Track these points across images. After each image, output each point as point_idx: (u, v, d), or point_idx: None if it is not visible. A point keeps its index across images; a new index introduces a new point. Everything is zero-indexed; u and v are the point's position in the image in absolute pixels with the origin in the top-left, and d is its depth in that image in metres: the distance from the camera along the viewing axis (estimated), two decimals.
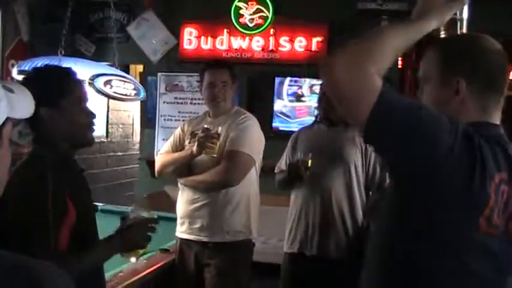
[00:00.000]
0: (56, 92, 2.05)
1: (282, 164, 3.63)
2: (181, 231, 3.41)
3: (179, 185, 3.47)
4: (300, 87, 6.40)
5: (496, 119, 1.60)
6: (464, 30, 1.77)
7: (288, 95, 6.45)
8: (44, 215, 1.89)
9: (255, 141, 3.37)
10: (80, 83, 2.18)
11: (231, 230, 3.32)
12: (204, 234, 3.31)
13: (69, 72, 2.16)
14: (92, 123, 2.18)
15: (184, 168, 3.37)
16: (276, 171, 3.66)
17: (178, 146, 3.49)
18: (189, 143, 3.41)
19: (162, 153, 3.55)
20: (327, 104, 3.38)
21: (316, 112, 3.79)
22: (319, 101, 3.56)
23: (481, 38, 1.62)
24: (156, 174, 3.54)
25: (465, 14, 1.75)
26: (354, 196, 3.41)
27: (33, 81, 2.01)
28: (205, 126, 3.26)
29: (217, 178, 3.26)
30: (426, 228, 1.48)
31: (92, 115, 2.17)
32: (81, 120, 2.13)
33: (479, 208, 1.44)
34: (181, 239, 3.42)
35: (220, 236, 3.30)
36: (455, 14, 1.68)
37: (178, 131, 3.58)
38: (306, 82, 6.40)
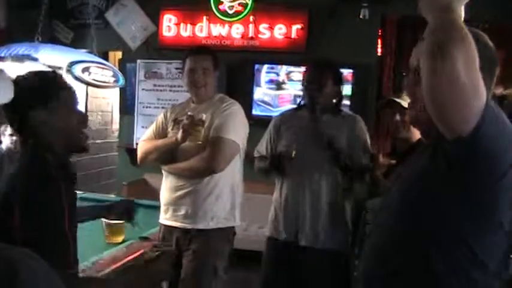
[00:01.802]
0: (47, 96, 2.06)
1: (262, 149, 3.61)
2: (165, 218, 3.41)
3: (163, 172, 3.46)
4: (277, 74, 6.40)
5: None
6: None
7: (265, 82, 6.44)
8: (61, 224, 1.93)
9: (239, 128, 3.36)
10: (69, 85, 2.17)
11: (215, 217, 3.32)
12: (188, 221, 3.31)
13: (56, 76, 2.17)
14: (85, 125, 2.19)
15: (168, 155, 3.36)
16: (255, 155, 3.65)
17: (161, 133, 3.47)
18: (172, 129, 3.39)
19: (144, 140, 3.52)
20: (315, 90, 3.38)
21: (298, 99, 3.76)
22: (308, 82, 3.51)
23: (477, 33, 1.60)
24: (138, 162, 3.51)
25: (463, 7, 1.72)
26: (341, 184, 3.43)
27: (24, 85, 2.03)
28: (189, 113, 3.23)
29: (202, 165, 3.25)
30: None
31: (84, 117, 2.19)
32: (73, 123, 2.13)
33: None
34: (165, 226, 3.41)
35: (204, 223, 3.30)
36: None
37: (160, 117, 3.55)
38: (283, 69, 6.40)
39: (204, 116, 3.21)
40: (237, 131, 3.32)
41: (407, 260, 1.64)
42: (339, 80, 3.51)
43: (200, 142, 3.22)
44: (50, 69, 2.35)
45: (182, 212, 3.32)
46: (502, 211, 1.56)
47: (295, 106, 3.86)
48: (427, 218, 1.61)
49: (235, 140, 3.29)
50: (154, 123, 3.57)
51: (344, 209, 3.46)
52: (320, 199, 3.40)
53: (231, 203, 3.38)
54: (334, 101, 3.52)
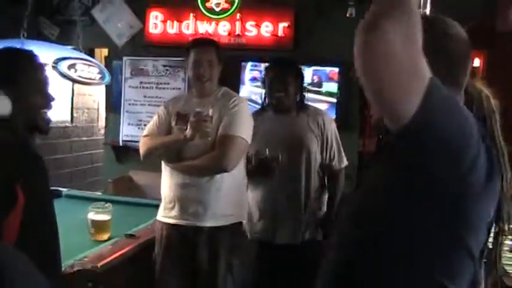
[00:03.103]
0: (15, 73, 2.02)
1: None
2: (170, 215, 3.36)
3: (164, 168, 3.42)
4: (260, 71, 6.38)
5: None
6: (428, 9, 1.77)
7: (249, 80, 6.43)
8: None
9: (248, 124, 3.36)
10: (41, 65, 2.14)
11: (224, 214, 3.33)
12: (198, 219, 3.29)
13: (29, 54, 2.13)
14: (48, 108, 2.14)
15: (175, 152, 3.32)
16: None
17: (165, 128, 3.43)
18: (176, 124, 3.37)
19: (148, 136, 3.45)
20: (281, 91, 3.40)
21: (262, 99, 3.73)
22: (272, 85, 3.51)
23: (445, 22, 1.55)
24: (141, 157, 3.45)
25: None
26: (314, 182, 3.46)
27: None
28: (197, 109, 3.20)
29: (214, 163, 3.24)
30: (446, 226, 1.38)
31: (51, 98, 2.13)
32: (38, 103, 2.09)
33: (494, 200, 1.45)
34: (168, 224, 3.37)
35: (215, 220, 3.30)
36: None
37: (162, 111, 3.49)
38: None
39: (211, 111, 3.19)
40: (246, 127, 3.32)
41: (360, 264, 1.50)
42: (300, 76, 3.54)
43: (209, 138, 3.21)
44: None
45: (191, 209, 3.30)
46: (467, 231, 1.40)
47: (257, 108, 3.85)
48: (377, 230, 1.47)
49: (245, 137, 3.28)
50: (156, 118, 3.49)
51: (320, 204, 3.50)
52: (296, 199, 3.43)
53: (239, 199, 3.40)
54: (297, 98, 3.55)
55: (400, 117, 1.23)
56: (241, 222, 3.42)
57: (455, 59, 1.52)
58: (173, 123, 3.40)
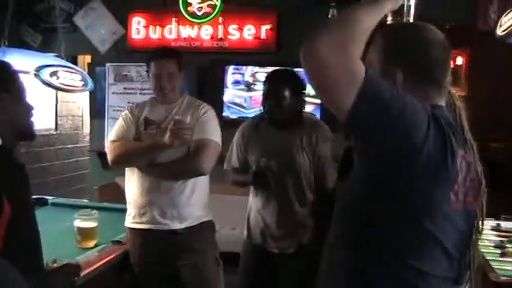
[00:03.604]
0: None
1: (233, 161, 3.62)
2: (143, 221, 3.33)
3: (131, 174, 3.39)
4: (242, 74, 6.41)
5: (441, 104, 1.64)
6: (412, 16, 1.80)
7: (231, 83, 6.44)
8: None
9: (218, 129, 3.41)
10: (18, 75, 2.15)
11: (197, 213, 3.36)
12: (174, 222, 3.29)
13: (7, 65, 2.14)
14: (31, 115, 2.15)
15: (151, 158, 3.29)
16: (225, 167, 3.66)
17: (132, 133, 3.39)
18: (145, 129, 3.38)
19: (117, 142, 3.38)
20: (273, 103, 3.39)
21: (261, 109, 3.69)
22: (266, 97, 3.49)
23: (424, 28, 1.64)
24: (110, 164, 3.38)
25: (412, 1, 1.79)
26: (305, 197, 3.45)
27: None
28: (177, 117, 3.22)
29: (192, 167, 3.27)
30: (402, 206, 1.51)
31: (31, 107, 2.15)
32: (20, 113, 2.10)
33: (451, 183, 1.51)
34: (142, 230, 3.33)
35: (191, 220, 3.32)
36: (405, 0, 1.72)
37: (127, 116, 3.45)
38: (248, 69, 6.41)
39: (189, 119, 3.23)
40: (218, 132, 3.38)
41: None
42: (299, 90, 3.49)
43: (187, 145, 3.23)
44: None
45: (166, 213, 3.29)
46: (425, 216, 1.51)
47: (252, 118, 3.82)
48: (354, 223, 1.62)
49: (218, 141, 3.35)
50: (121, 123, 3.44)
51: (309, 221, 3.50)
52: (289, 208, 3.44)
53: (207, 200, 3.45)
54: (298, 109, 3.52)
55: (339, 111, 1.39)
56: (211, 220, 3.48)
57: (436, 62, 1.61)
58: (141, 128, 3.39)
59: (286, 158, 3.40)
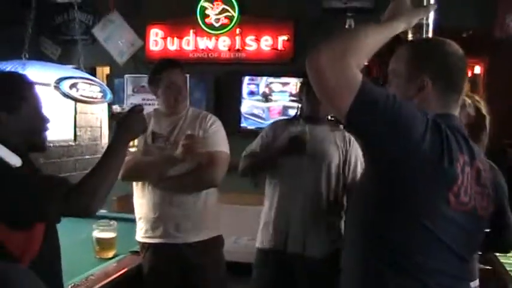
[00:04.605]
0: (15, 97, 2.07)
1: (255, 147, 3.56)
2: (155, 235, 3.32)
3: (142, 188, 3.38)
4: (257, 85, 6.41)
5: (456, 112, 1.80)
6: (430, 33, 1.93)
7: (247, 93, 6.45)
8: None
9: (226, 139, 3.43)
10: (34, 88, 2.18)
11: (210, 226, 3.37)
12: (187, 236, 3.29)
13: (24, 78, 2.19)
14: (46, 128, 2.20)
15: (164, 172, 3.29)
16: (244, 154, 3.57)
17: (141, 147, 3.38)
18: (153, 143, 3.38)
19: (127, 156, 3.35)
20: (313, 101, 3.37)
21: (296, 110, 3.69)
22: (307, 96, 3.49)
23: (445, 42, 1.80)
24: (121, 179, 3.20)
25: (431, 20, 1.91)
26: (332, 195, 3.41)
27: None
28: (189, 132, 3.24)
29: (204, 179, 3.29)
30: (403, 205, 1.64)
31: (47, 120, 2.19)
32: (37, 125, 2.15)
33: (448, 184, 1.61)
34: (154, 244, 3.33)
35: (202, 234, 3.33)
36: (422, 18, 1.85)
37: None
38: (263, 80, 6.41)
39: (201, 133, 3.26)
40: (226, 142, 3.41)
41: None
42: None
43: (198, 159, 3.24)
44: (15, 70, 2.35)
45: (179, 226, 3.29)
46: (421, 210, 1.62)
47: (287, 117, 3.81)
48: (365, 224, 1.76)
49: (227, 152, 3.38)
50: None
51: (336, 220, 3.45)
52: (313, 207, 3.39)
53: (216, 211, 3.45)
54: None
55: (339, 115, 1.57)
56: (221, 235, 3.49)
57: (457, 71, 1.78)
58: (149, 142, 3.39)
59: (319, 151, 3.38)
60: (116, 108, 2.42)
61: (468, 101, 2.80)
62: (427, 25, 1.91)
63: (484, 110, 2.82)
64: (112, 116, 2.45)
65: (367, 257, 1.72)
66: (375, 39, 1.63)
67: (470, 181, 1.66)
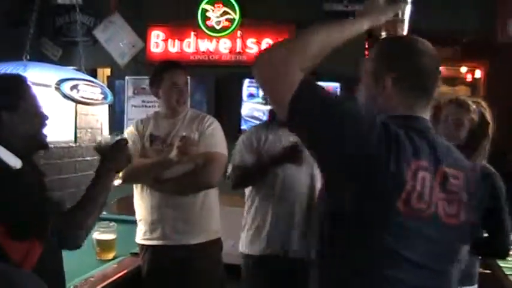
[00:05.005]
0: (14, 97, 2.09)
1: (239, 159, 3.54)
2: (154, 237, 3.33)
3: (140, 191, 3.39)
4: (257, 88, 6.38)
5: (424, 115, 1.71)
6: (405, 31, 1.87)
7: (247, 96, 6.44)
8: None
9: (224, 140, 3.44)
10: (31, 87, 2.20)
11: (208, 228, 3.37)
12: (185, 237, 3.29)
13: (22, 78, 2.21)
14: (45, 125, 2.21)
15: (160, 174, 3.30)
16: (232, 168, 3.56)
17: (138, 150, 3.39)
18: (151, 146, 3.37)
19: None
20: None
21: (267, 114, 3.69)
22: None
23: (417, 41, 1.73)
24: (122, 181, 3.36)
25: (407, 15, 1.84)
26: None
27: None
28: (184, 133, 3.24)
29: (201, 180, 3.29)
30: (354, 216, 1.56)
31: (45, 117, 2.20)
32: (36, 122, 2.16)
33: (396, 190, 1.51)
34: (153, 246, 3.33)
35: (202, 236, 3.33)
36: (398, 15, 1.80)
37: (132, 134, 3.44)
38: None
39: (196, 135, 3.25)
40: (224, 143, 3.42)
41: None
42: None
43: (195, 161, 3.23)
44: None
45: (177, 228, 3.28)
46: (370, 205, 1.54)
47: (259, 123, 3.79)
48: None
49: (224, 153, 3.38)
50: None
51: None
52: (296, 213, 3.41)
53: (216, 213, 3.45)
54: None
55: (280, 114, 1.55)
56: (220, 238, 3.48)
57: (425, 72, 1.69)
58: (147, 145, 3.40)
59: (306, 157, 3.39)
60: (101, 139, 2.44)
61: (473, 106, 2.81)
62: (403, 21, 1.84)
63: (488, 117, 2.81)
64: (96, 148, 2.47)
65: (329, 268, 1.67)
66: (331, 38, 1.63)
67: (430, 187, 1.56)
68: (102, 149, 2.42)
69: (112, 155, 2.35)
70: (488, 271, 3.42)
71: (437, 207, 1.57)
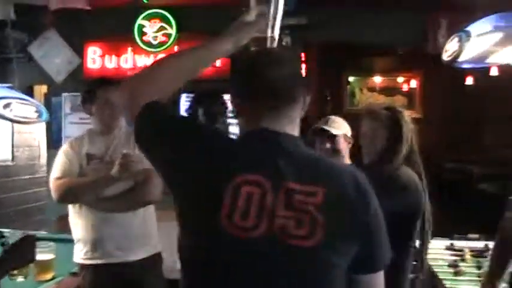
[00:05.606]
0: None
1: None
2: (94, 257, 3.26)
3: (78, 209, 3.32)
4: (191, 103, 6.38)
5: (269, 126, 1.56)
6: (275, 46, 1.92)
7: (184, 110, 6.37)
8: None
9: None
10: None
11: (150, 243, 3.35)
12: (127, 254, 3.25)
13: None
14: None
15: (99, 192, 3.24)
16: None
17: (76, 169, 3.32)
18: (88, 164, 3.36)
19: (64, 178, 3.30)
20: None
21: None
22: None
23: (260, 54, 1.74)
24: (57, 201, 3.30)
25: (276, 33, 1.90)
26: None
27: None
28: (124, 151, 3.17)
29: (143, 196, 3.25)
30: (185, 231, 1.58)
31: None
32: None
33: (215, 205, 1.43)
34: (94, 266, 3.26)
35: (143, 252, 3.30)
36: (266, 32, 1.86)
37: (68, 152, 3.36)
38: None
39: (136, 151, 3.21)
40: None
41: None
42: None
43: (135, 177, 3.22)
44: None
45: (119, 245, 3.24)
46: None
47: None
48: None
49: None
50: (64, 159, 3.34)
51: None
52: None
53: (156, 226, 3.43)
54: None
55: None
56: (160, 252, 3.46)
57: (267, 85, 1.57)
58: (84, 164, 3.33)
59: None
60: (7, 234, 2.44)
61: (386, 112, 2.82)
62: (272, 38, 1.87)
63: (403, 120, 2.79)
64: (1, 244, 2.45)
65: None
66: (189, 63, 1.77)
67: (263, 204, 1.42)
68: (6, 245, 2.38)
69: (17, 250, 2.29)
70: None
71: (275, 227, 1.41)
